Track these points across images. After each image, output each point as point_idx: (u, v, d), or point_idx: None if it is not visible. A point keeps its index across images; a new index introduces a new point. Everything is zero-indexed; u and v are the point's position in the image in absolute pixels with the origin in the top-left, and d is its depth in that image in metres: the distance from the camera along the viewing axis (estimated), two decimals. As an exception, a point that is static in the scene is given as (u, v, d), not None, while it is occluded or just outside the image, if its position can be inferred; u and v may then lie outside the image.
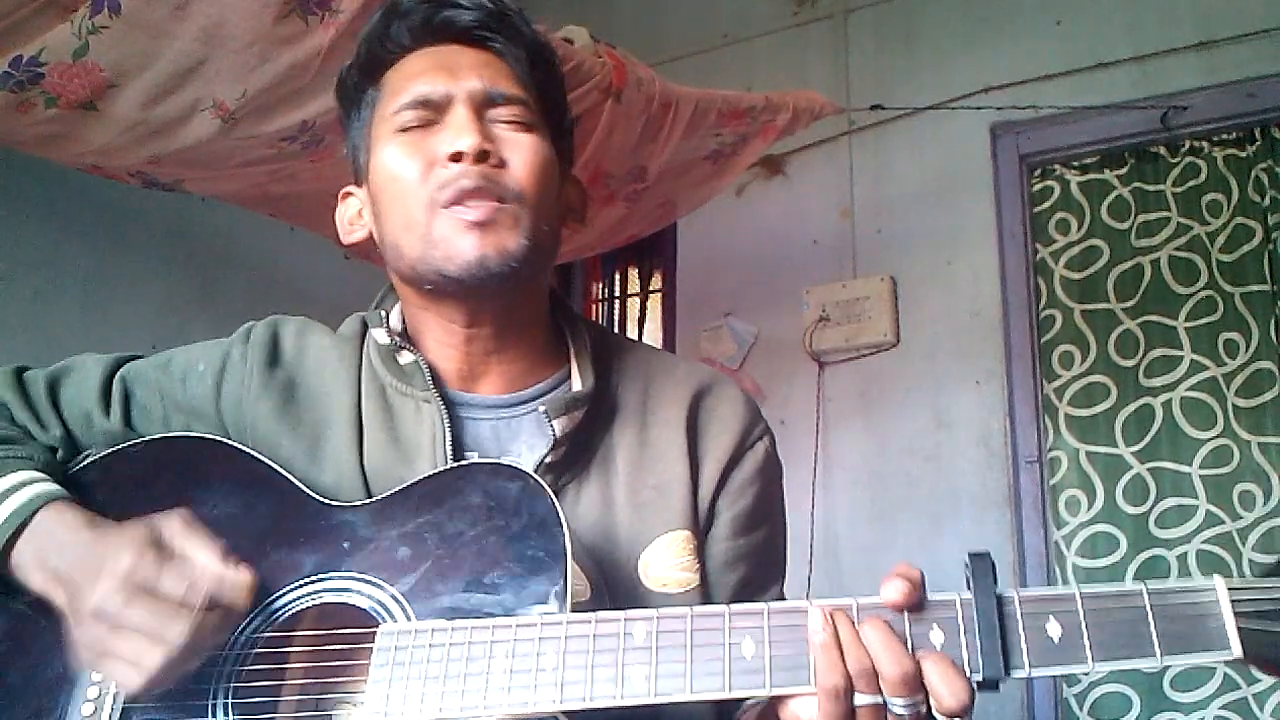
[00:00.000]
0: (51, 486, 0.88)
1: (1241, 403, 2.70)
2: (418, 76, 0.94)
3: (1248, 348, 2.73)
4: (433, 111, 0.93)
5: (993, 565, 0.72)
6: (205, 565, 0.78)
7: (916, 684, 0.69)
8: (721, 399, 1.00)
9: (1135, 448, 2.79)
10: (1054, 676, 2.74)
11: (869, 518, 3.00)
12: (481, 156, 0.90)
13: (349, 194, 1.03)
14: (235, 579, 0.78)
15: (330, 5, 1.70)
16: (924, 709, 0.70)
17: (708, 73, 3.25)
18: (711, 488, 0.96)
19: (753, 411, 1.02)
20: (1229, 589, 0.69)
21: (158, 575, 0.77)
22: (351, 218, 1.02)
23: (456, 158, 0.89)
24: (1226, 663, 0.69)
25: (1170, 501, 2.72)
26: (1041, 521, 2.84)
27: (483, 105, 0.93)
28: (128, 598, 0.76)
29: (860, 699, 0.70)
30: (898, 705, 0.70)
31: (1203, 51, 2.85)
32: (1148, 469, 2.76)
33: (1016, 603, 0.71)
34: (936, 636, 0.71)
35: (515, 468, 0.84)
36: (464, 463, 0.89)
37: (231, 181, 2.14)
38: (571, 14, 2.42)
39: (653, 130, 2.31)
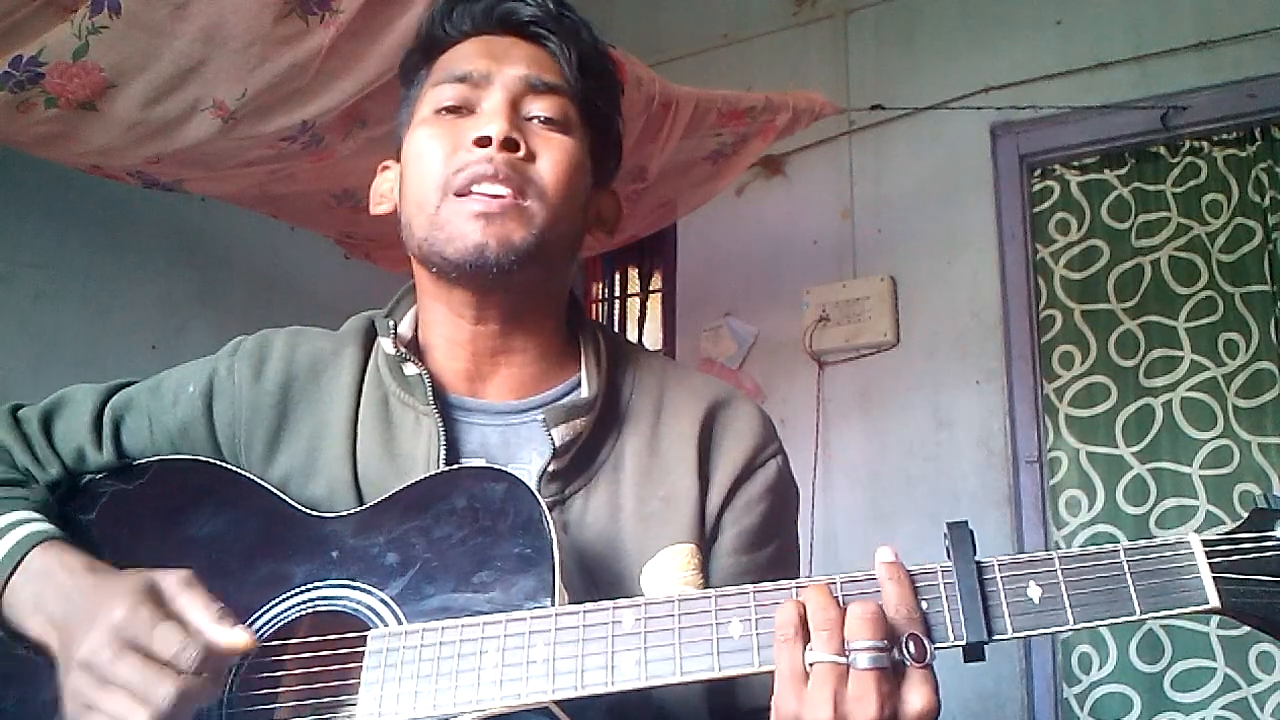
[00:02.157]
0: (45, 525, 0.87)
1: (1241, 403, 2.70)
2: (464, 57, 0.95)
3: (1248, 348, 2.73)
4: (470, 88, 0.93)
5: (971, 534, 0.73)
6: (200, 626, 0.75)
7: (880, 625, 0.69)
8: (736, 415, 0.99)
9: (1136, 448, 2.79)
10: (1054, 676, 2.74)
11: (869, 518, 3.00)
12: (509, 145, 0.89)
13: (387, 167, 1.04)
14: (231, 642, 0.75)
15: (330, 5, 1.70)
16: (888, 662, 0.69)
17: (708, 73, 3.25)
18: (718, 502, 0.95)
19: (768, 429, 1.00)
20: (1204, 543, 0.71)
21: (150, 631, 0.74)
22: (384, 191, 1.02)
23: (483, 142, 0.89)
24: (1204, 613, 0.70)
25: (1171, 502, 2.72)
26: (1041, 521, 2.84)
27: (522, 94, 0.93)
28: (117, 652, 0.74)
29: (817, 655, 0.69)
30: (860, 651, 0.68)
31: (1203, 51, 2.85)
32: (1148, 469, 2.76)
33: (996, 568, 0.72)
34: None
35: (501, 470, 0.85)
36: (450, 468, 0.89)
37: (231, 181, 2.14)
38: (571, 14, 2.42)
39: (653, 130, 2.31)
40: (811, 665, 0.69)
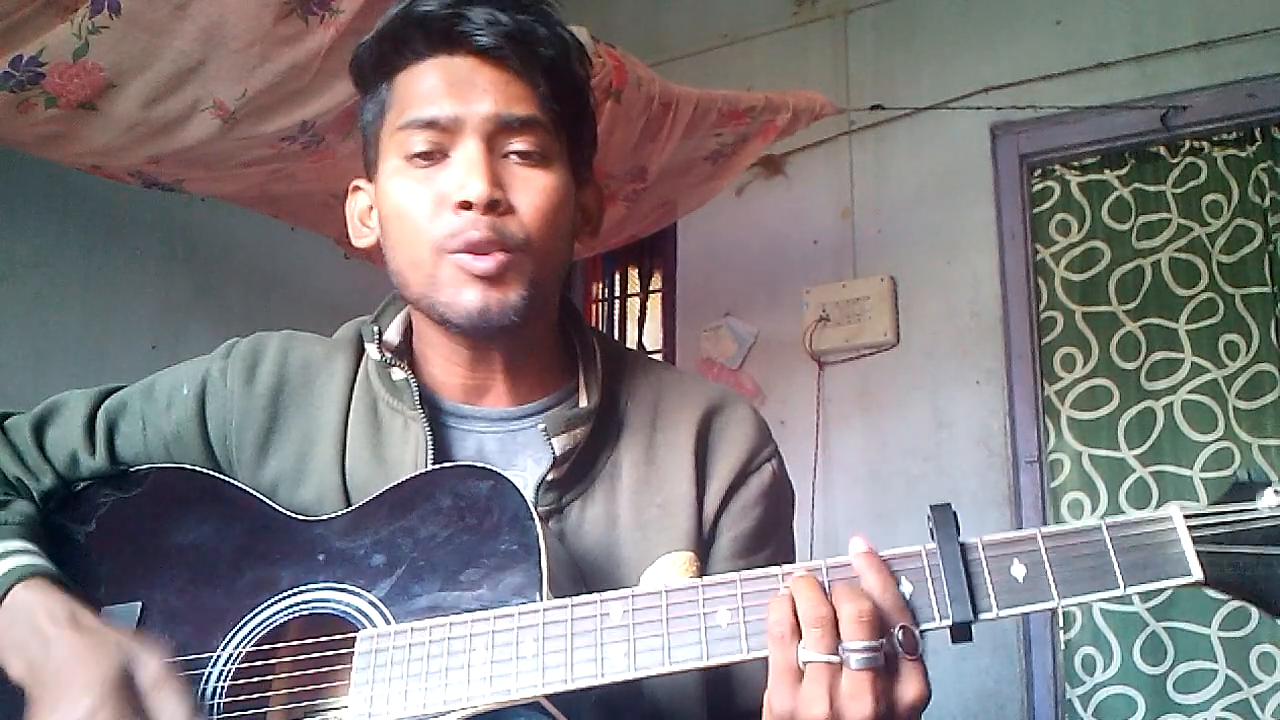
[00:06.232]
0: (28, 560, 0.86)
1: (1242, 405, 2.70)
2: (428, 96, 0.89)
3: (1248, 350, 2.72)
4: (439, 134, 0.88)
5: (954, 516, 0.73)
6: None
7: (874, 625, 0.69)
8: (732, 419, 0.98)
9: (1137, 451, 2.79)
10: (1054, 677, 2.74)
11: (869, 518, 3.00)
12: (491, 206, 0.86)
13: (358, 188, 1.00)
14: None
15: (330, 5, 1.70)
16: (883, 660, 0.69)
17: (708, 73, 3.25)
18: (714, 508, 0.95)
19: (763, 433, 1.00)
20: (1186, 516, 0.71)
21: None
22: (362, 214, 0.99)
23: (466, 205, 0.86)
24: (1188, 585, 0.70)
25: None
26: (1042, 522, 2.84)
27: (494, 134, 0.88)
28: None
29: (811, 654, 0.69)
30: (854, 652, 0.68)
31: (1203, 51, 2.85)
32: (1150, 472, 2.76)
33: (980, 548, 0.73)
34: (904, 587, 0.73)
35: (486, 468, 0.84)
36: (435, 467, 0.88)
37: (231, 181, 2.14)
38: (571, 14, 2.42)
39: (653, 130, 2.31)
40: (805, 664, 0.69)
